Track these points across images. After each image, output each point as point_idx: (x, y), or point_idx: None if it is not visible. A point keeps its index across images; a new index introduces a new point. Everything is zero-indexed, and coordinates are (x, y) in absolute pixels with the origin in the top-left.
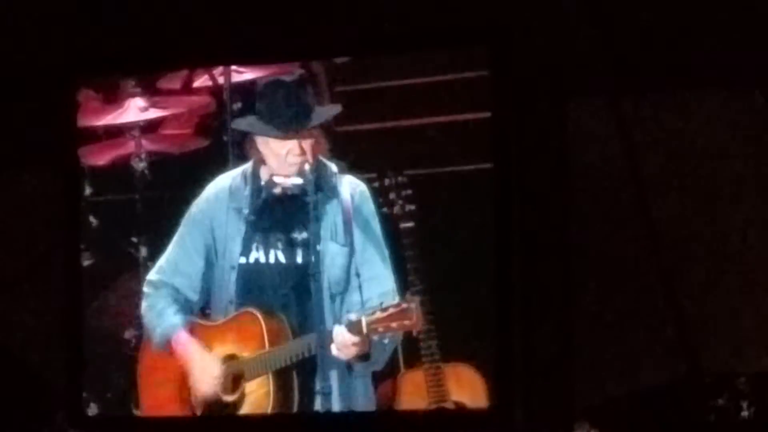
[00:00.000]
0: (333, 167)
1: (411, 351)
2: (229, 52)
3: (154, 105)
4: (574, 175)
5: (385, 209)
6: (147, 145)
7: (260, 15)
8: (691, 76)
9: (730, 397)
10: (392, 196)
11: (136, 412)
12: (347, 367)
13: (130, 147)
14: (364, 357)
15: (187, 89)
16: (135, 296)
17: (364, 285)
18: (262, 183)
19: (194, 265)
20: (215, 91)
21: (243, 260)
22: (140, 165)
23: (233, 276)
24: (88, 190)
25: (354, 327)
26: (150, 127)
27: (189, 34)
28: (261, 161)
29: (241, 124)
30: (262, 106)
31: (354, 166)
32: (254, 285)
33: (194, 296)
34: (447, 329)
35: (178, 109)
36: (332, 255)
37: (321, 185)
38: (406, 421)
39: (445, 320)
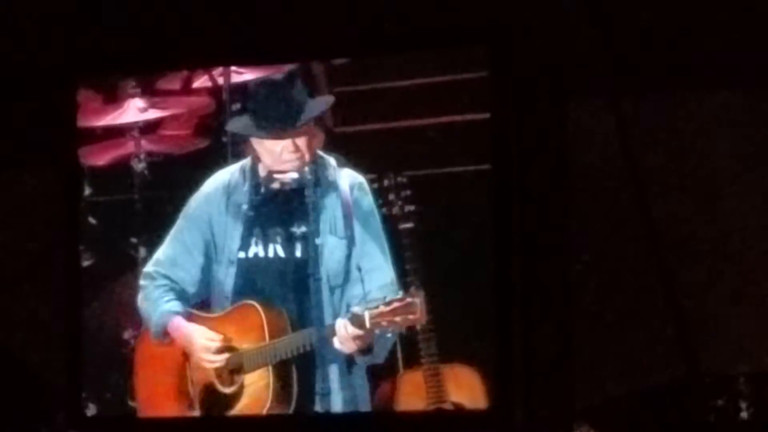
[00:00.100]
0: (332, 161)
1: (410, 351)
2: (228, 53)
3: (153, 105)
4: (574, 175)
5: (384, 210)
6: (146, 145)
7: (260, 15)
8: (691, 76)
9: (729, 398)
10: (392, 196)
11: (132, 404)
12: (348, 361)
13: (129, 147)
14: (366, 351)
15: (186, 90)
16: (134, 297)
17: (365, 277)
18: (261, 178)
19: (192, 259)
20: (215, 91)
21: (242, 255)
22: (140, 165)
23: (232, 270)
24: (87, 191)
25: (357, 320)
26: (149, 128)
27: (188, 35)
28: (257, 159)
29: (234, 126)
30: (253, 106)
31: (353, 166)
32: (254, 279)
33: (192, 289)
34: (446, 330)
35: (177, 109)
36: (331, 248)
37: (320, 179)
38: (405, 422)
39: (445, 321)
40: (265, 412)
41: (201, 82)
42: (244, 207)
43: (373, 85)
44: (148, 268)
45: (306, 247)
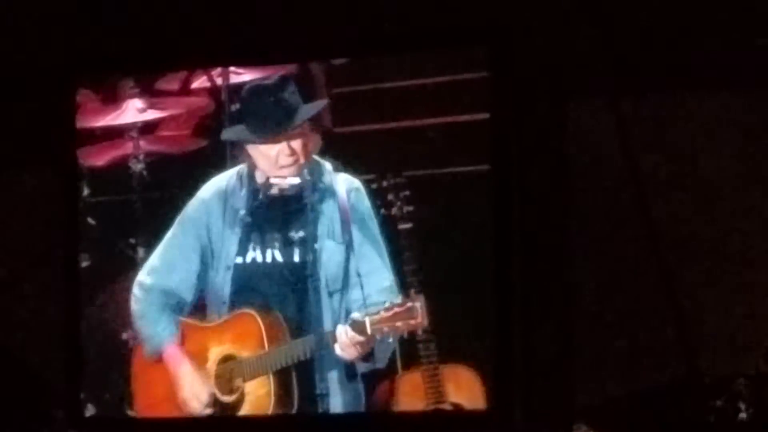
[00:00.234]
0: (327, 165)
1: (409, 352)
2: (227, 53)
3: (152, 106)
4: (574, 175)
5: (383, 210)
6: (145, 146)
7: (259, 16)
8: (691, 76)
9: (729, 398)
10: (391, 197)
11: (131, 413)
12: (349, 367)
13: (128, 148)
14: (367, 356)
15: (185, 90)
16: (132, 295)
17: (364, 281)
18: (258, 184)
19: (189, 265)
20: (214, 92)
21: (239, 260)
22: (138, 166)
23: (229, 276)
24: (86, 191)
25: (358, 327)
26: (148, 128)
27: (188, 35)
28: (254, 165)
29: (229, 134)
30: (246, 113)
31: (353, 167)
32: (251, 285)
33: (188, 297)
34: (446, 330)
35: (176, 110)
36: (329, 252)
37: (316, 184)
38: (404, 423)
39: (444, 321)
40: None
41: (200, 82)
42: (242, 213)
43: (372, 86)
44: (143, 277)
45: (304, 252)
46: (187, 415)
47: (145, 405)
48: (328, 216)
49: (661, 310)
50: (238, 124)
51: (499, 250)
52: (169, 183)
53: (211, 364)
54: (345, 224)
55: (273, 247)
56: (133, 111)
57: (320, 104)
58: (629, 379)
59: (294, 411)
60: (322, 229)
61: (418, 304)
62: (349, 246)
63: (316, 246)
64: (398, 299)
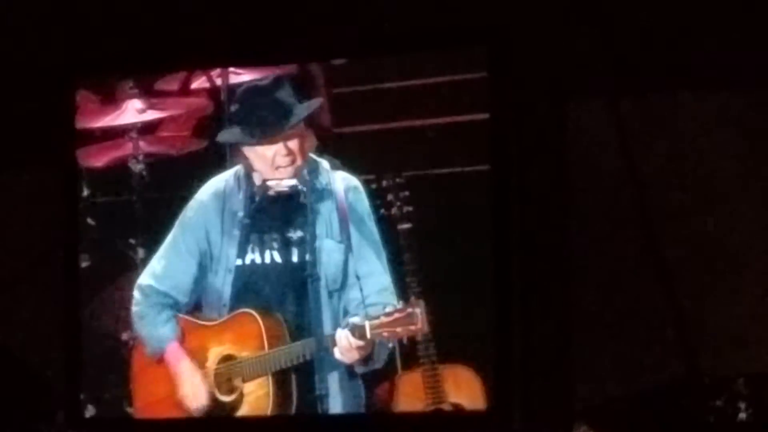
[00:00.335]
0: (325, 164)
1: (408, 352)
2: (227, 54)
3: (151, 107)
4: (574, 175)
5: (383, 210)
6: (145, 146)
7: (258, 16)
8: (691, 76)
9: (728, 399)
10: (390, 197)
11: (130, 411)
12: (349, 368)
13: (127, 148)
14: (366, 360)
15: (184, 91)
16: (133, 298)
17: (363, 282)
18: (256, 185)
19: (188, 268)
20: (213, 92)
21: (239, 262)
22: (138, 166)
23: (230, 278)
24: (86, 192)
25: (357, 331)
26: (148, 129)
27: (187, 36)
28: (250, 167)
29: (224, 137)
30: (242, 114)
31: (352, 167)
32: (251, 286)
33: (185, 299)
34: (445, 330)
35: (175, 110)
36: (328, 252)
37: (314, 183)
38: (404, 423)
39: (444, 321)
40: None
41: (199, 83)
42: (240, 214)
43: (372, 86)
44: (143, 280)
45: (303, 252)
46: (186, 414)
47: (144, 404)
48: (327, 215)
49: (660, 310)
50: (234, 126)
51: (498, 250)
52: (168, 183)
53: (211, 364)
54: (343, 223)
55: (272, 248)
56: (132, 111)
57: (315, 103)
58: (629, 379)
59: (293, 411)
60: (321, 228)
61: (418, 309)
62: (347, 245)
63: (315, 246)
64: (397, 301)
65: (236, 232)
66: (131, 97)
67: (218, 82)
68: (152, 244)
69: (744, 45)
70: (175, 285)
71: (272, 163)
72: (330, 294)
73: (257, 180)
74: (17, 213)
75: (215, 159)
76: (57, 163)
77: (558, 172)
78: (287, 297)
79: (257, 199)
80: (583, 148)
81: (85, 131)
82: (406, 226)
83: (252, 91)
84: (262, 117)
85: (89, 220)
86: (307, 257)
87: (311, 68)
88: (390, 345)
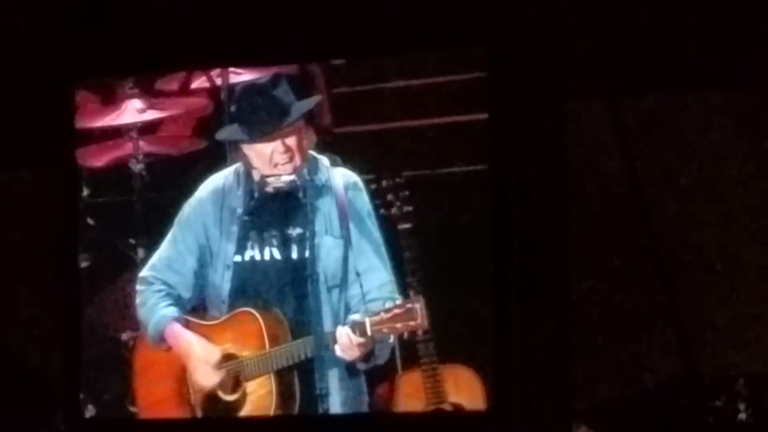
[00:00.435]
0: (325, 160)
1: (408, 352)
2: (227, 54)
3: (151, 106)
4: (573, 175)
5: (383, 210)
6: (144, 146)
7: (258, 16)
8: (691, 76)
9: (728, 399)
10: (390, 197)
11: (133, 410)
12: (350, 366)
13: (127, 148)
14: (367, 357)
15: (184, 91)
16: (133, 298)
17: (363, 277)
18: (255, 182)
19: (187, 264)
20: (213, 92)
21: (238, 258)
22: (138, 166)
23: (228, 275)
24: (85, 192)
25: (358, 328)
26: (148, 129)
27: (187, 36)
28: (249, 165)
29: (223, 134)
30: (240, 112)
31: (352, 167)
32: (250, 283)
33: (187, 294)
34: (445, 330)
35: (175, 110)
36: (328, 248)
37: (314, 180)
38: (404, 423)
39: (443, 321)
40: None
41: (199, 83)
42: (239, 211)
43: (372, 86)
44: (144, 272)
45: (302, 249)
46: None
47: (147, 404)
48: (326, 211)
49: (660, 310)
50: (232, 124)
51: (498, 250)
52: (168, 183)
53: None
54: (343, 219)
55: (271, 245)
56: (132, 111)
57: (313, 100)
58: (629, 380)
59: (296, 410)
60: (320, 224)
61: (418, 305)
62: (347, 241)
63: (314, 242)
64: (397, 296)
65: (235, 229)
66: (131, 97)
67: (218, 81)
68: (152, 244)
69: (744, 45)
70: (177, 280)
71: (270, 161)
72: (329, 290)
73: (256, 177)
74: (17, 213)
75: (215, 159)
76: (57, 163)
77: (558, 172)
78: (287, 294)
79: (256, 195)
80: (583, 148)
81: (85, 131)
82: (406, 225)
83: (250, 89)
84: (260, 115)
85: (89, 220)
86: (307, 254)
87: (310, 67)
88: (390, 341)
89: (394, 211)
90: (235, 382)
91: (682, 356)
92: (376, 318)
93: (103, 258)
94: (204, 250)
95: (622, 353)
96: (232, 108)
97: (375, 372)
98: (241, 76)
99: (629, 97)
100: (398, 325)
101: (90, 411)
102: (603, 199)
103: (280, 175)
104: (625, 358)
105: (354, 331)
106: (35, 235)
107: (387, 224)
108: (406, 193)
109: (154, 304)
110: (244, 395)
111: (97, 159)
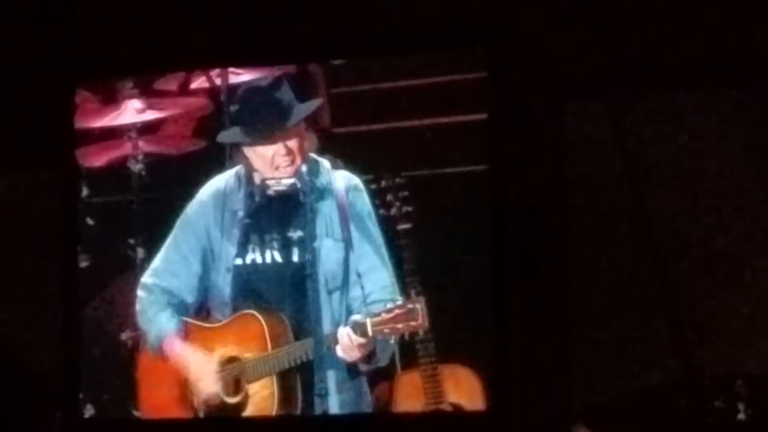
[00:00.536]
0: (325, 163)
1: (408, 352)
2: (226, 54)
3: (151, 106)
4: (572, 175)
5: (382, 210)
6: (144, 146)
7: (257, 16)
8: (691, 76)
9: (727, 399)
10: (390, 197)
11: (137, 414)
12: (351, 368)
13: (127, 148)
14: (368, 358)
15: (184, 91)
16: (132, 298)
17: (364, 279)
18: (255, 185)
19: (189, 267)
20: (213, 92)
21: (239, 261)
22: (137, 166)
23: (229, 277)
24: (85, 192)
25: (359, 329)
26: (147, 129)
27: (187, 36)
28: (251, 167)
29: (224, 136)
30: (241, 114)
31: (351, 167)
32: (252, 286)
33: (189, 298)
34: (444, 330)
35: (175, 110)
36: (328, 251)
37: (314, 182)
38: (403, 423)
39: (443, 321)
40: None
41: (199, 83)
42: (240, 214)
43: (371, 86)
44: (145, 278)
45: (303, 252)
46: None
47: (150, 405)
48: (327, 214)
49: (660, 310)
50: (234, 126)
51: (497, 251)
52: (168, 183)
53: (215, 366)
54: (344, 222)
55: (272, 248)
56: (131, 111)
57: (315, 103)
58: (628, 380)
59: (298, 411)
60: (321, 227)
61: (419, 305)
62: (348, 244)
63: (315, 245)
64: (399, 298)
65: (236, 231)
66: (131, 97)
67: (218, 82)
68: (152, 244)
69: (744, 45)
70: (179, 284)
71: (272, 163)
72: (330, 293)
73: (257, 179)
74: (17, 213)
75: (215, 159)
76: (57, 163)
77: (557, 172)
78: (289, 297)
79: (257, 198)
80: (582, 148)
81: (84, 131)
82: (405, 226)
83: (252, 91)
84: (262, 117)
85: (89, 220)
86: (308, 257)
87: (311, 68)
88: (392, 342)
89: (393, 211)
90: (237, 384)
91: (682, 356)
92: (377, 318)
93: (103, 258)
94: (206, 253)
95: (621, 353)
96: (234, 110)
97: (375, 372)
98: (241, 76)
99: (629, 97)
100: (399, 326)
101: (89, 411)
102: (602, 199)
103: (281, 177)
104: (625, 358)
105: (355, 332)
106: (35, 235)
107: (386, 224)
108: (406, 193)
109: (153, 316)
110: (247, 397)
111: (97, 159)
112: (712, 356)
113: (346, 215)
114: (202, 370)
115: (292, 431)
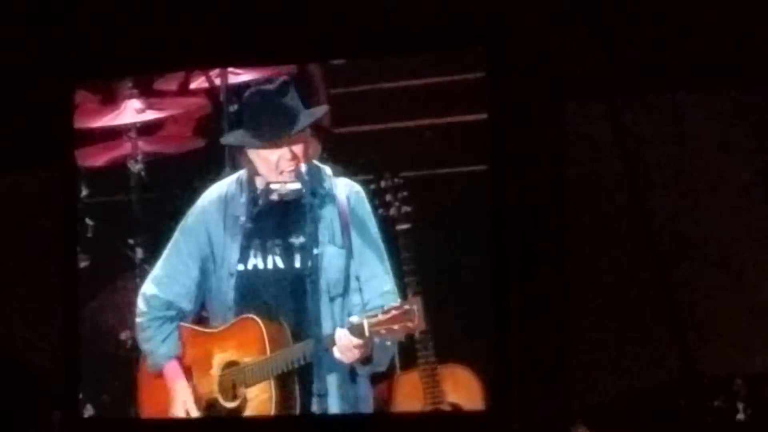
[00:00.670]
0: (327, 170)
1: (407, 352)
2: (226, 54)
3: (150, 106)
4: (572, 176)
5: (381, 211)
6: (143, 146)
7: (257, 16)
8: (691, 76)
9: (727, 399)
10: (389, 197)
11: (130, 411)
12: (350, 370)
13: (126, 148)
14: (366, 360)
15: (183, 91)
16: (131, 298)
17: (364, 286)
18: (258, 190)
19: (190, 273)
20: (212, 92)
21: (241, 267)
22: (137, 166)
23: (232, 283)
24: (84, 192)
25: (356, 330)
26: (147, 129)
27: (186, 36)
28: (254, 170)
29: (230, 139)
30: (247, 118)
31: (351, 167)
32: (253, 291)
33: (189, 306)
34: (443, 330)
35: (174, 110)
36: (330, 257)
37: (316, 189)
38: (403, 423)
39: (442, 321)
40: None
41: (198, 83)
42: (242, 219)
43: (371, 86)
44: (147, 289)
45: (305, 258)
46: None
47: (152, 411)
48: (328, 221)
49: (659, 310)
50: (238, 129)
51: (496, 251)
52: (167, 183)
53: (215, 370)
54: (345, 229)
55: (274, 254)
56: (131, 111)
57: (321, 110)
58: (628, 380)
59: (296, 414)
60: (323, 234)
61: (416, 306)
62: (349, 250)
63: (317, 251)
64: (397, 302)
65: (238, 237)
66: (130, 97)
67: (217, 82)
68: (151, 244)
69: (744, 45)
70: (179, 291)
71: (277, 167)
72: (331, 299)
73: (260, 184)
74: (17, 213)
75: (214, 159)
76: (56, 163)
77: (557, 172)
78: (289, 302)
79: (260, 203)
80: (582, 149)
81: (84, 131)
82: (404, 226)
83: (259, 95)
84: (269, 122)
85: (88, 220)
86: (309, 263)
87: (314, 72)
88: (389, 344)
89: (392, 211)
90: (236, 388)
91: (682, 356)
92: (374, 320)
93: (103, 258)
94: (207, 258)
95: (621, 353)
96: (239, 112)
97: (375, 373)
98: (240, 77)
99: (629, 97)
100: (396, 327)
101: (89, 411)
102: (602, 199)
103: (285, 182)
104: (625, 358)
105: (352, 333)
106: (35, 235)
107: (386, 225)
108: (405, 193)
109: (154, 336)
110: (245, 401)
111: (97, 159)
112: (712, 356)
113: (347, 222)
114: (190, 406)
115: (290, 431)
